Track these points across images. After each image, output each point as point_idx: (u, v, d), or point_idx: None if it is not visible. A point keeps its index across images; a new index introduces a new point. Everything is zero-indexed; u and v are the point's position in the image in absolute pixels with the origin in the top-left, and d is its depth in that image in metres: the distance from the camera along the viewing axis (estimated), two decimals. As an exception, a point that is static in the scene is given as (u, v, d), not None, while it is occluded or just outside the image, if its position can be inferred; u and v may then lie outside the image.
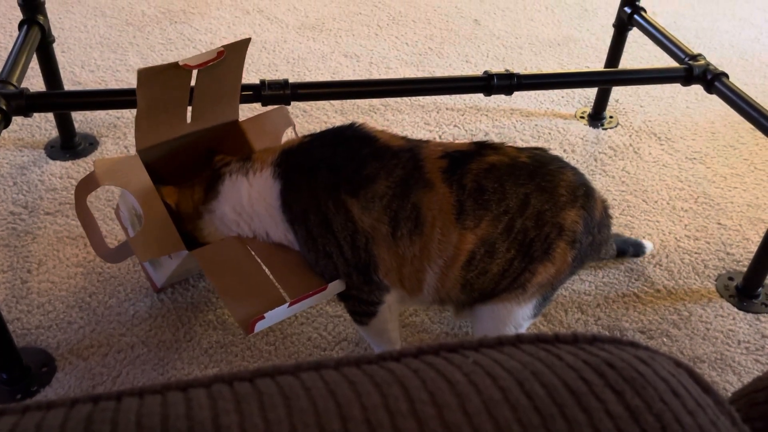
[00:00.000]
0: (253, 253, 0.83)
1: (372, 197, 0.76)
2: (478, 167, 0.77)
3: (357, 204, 0.76)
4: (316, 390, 0.31)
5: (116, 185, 0.84)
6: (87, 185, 0.85)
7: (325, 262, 0.80)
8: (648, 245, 1.11)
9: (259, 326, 0.77)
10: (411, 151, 0.78)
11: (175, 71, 0.81)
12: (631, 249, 1.09)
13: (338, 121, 1.37)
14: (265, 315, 0.76)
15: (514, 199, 0.77)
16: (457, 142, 0.83)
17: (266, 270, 0.82)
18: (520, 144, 1.33)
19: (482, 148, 0.80)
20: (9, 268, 1.02)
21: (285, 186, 0.80)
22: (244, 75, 1.49)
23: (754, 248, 1.10)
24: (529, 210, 0.77)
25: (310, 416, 0.29)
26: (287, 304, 0.78)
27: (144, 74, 0.78)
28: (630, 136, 1.39)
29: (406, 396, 0.30)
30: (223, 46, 0.81)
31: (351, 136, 0.81)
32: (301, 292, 0.79)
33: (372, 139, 0.80)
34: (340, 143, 0.80)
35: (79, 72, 1.46)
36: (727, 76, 1.08)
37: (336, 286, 0.81)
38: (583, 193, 0.80)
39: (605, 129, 1.40)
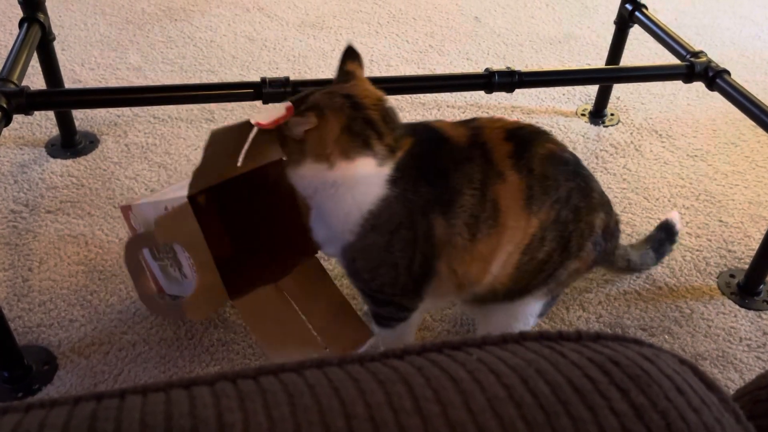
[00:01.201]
0: (291, 300, 0.88)
1: (458, 211, 0.75)
2: (541, 152, 0.78)
3: (443, 223, 0.75)
4: (320, 388, 0.30)
5: (173, 242, 0.85)
6: (143, 241, 0.85)
7: (385, 271, 0.78)
8: (674, 219, 1.08)
9: None
10: (478, 144, 0.77)
11: (244, 127, 0.80)
12: (663, 235, 1.07)
13: (339, 118, 1.37)
14: None
15: (564, 190, 0.78)
16: (511, 120, 0.83)
17: (304, 318, 0.87)
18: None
19: (540, 132, 0.81)
20: (10, 267, 1.02)
21: (389, 194, 0.75)
22: (244, 74, 1.49)
23: (756, 245, 1.10)
24: (571, 204, 0.79)
25: (314, 414, 0.29)
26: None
27: (216, 135, 0.76)
28: (631, 133, 1.38)
29: (410, 394, 0.30)
30: (290, 100, 0.77)
31: (429, 138, 0.78)
32: (340, 342, 0.85)
33: (445, 139, 0.78)
34: (427, 152, 0.77)
35: (79, 70, 1.46)
36: (728, 73, 1.08)
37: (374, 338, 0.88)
38: (607, 201, 0.85)
39: (606, 126, 1.40)
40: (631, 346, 0.35)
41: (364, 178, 0.74)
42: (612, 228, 0.85)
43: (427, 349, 0.34)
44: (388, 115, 0.77)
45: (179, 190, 0.87)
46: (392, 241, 0.76)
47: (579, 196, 0.79)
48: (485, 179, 0.76)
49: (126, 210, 0.94)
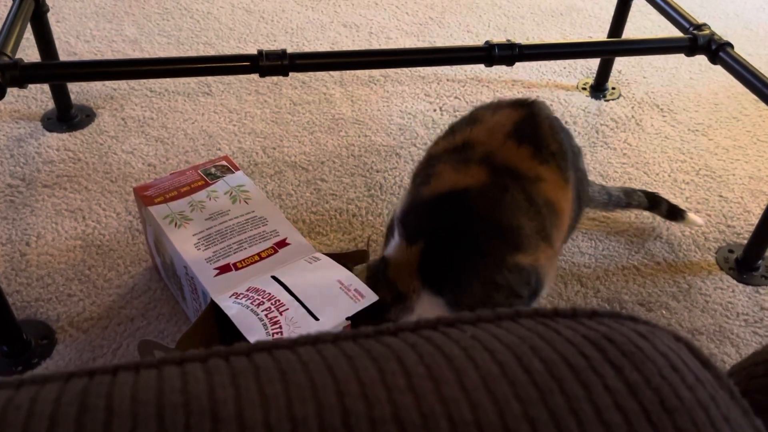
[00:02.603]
0: None
1: (530, 240, 0.73)
2: (545, 126, 0.79)
3: (525, 257, 0.73)
4: (314, 365, 0.30)
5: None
6: (157, 346, 0.80)
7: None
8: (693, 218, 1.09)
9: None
10: (499, 169, 0.74)
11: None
12: (666, 205, 1.08)
13: (337, 92, 1.35)
14: None
15: (570, 148, 0.82)
16: (498, 113, 0.82)
17: None
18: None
19: (524, 106, 0.81)
20: (8, 241, 1.02)
21: (449, 301, 0.73)
22: (242, 46, 1.47)
23: (755, 221, 1.10)
24: (574, 159, 0.83)
25: (307, 391, 0.29)
26: None
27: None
28: (632, 107, 1.37)
29: (403, 371, 0.30)
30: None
31: (451, 210, 0.74)
32: None
33: (466, 192, 0.73)
34: (458, 225, 0.73)
35: (74, 42, 1.45)
36: (731, 46, 1.06)
37: None
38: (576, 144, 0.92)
39: (607, 101, 1.39)
40: (627, 323, 0.34)
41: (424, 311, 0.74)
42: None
43: (421, 326, 0.34)
44: (391, 270, 0.75)
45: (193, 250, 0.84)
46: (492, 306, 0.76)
47: (571, 150, 0.83)
48: (529, 194, 0.74)
49: (139, 197, 0.91)
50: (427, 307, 0.73)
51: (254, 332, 0.70)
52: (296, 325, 0.71)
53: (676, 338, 0.34)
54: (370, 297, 0.73)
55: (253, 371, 0.30)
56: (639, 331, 0.34)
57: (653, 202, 1.07)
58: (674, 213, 1.08)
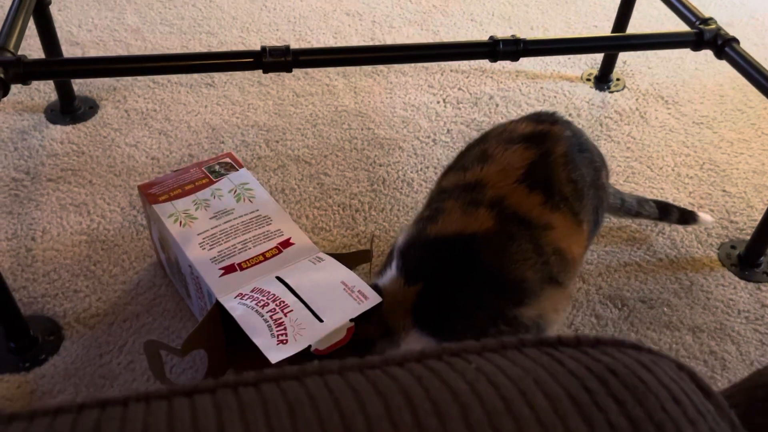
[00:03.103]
0: None
1: (536, 294, 0.72)
2: (559, 167, 0.77)
3: (531, 310, 0.72)
4: (321, 399, 0.31)
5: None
6: (163, 346, 0.79)
7: None
8: (704, 218, 1.08)
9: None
10: (507, 216, 0.73)
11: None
12: (677, 211, 1.06)
13: (340, 84, 1.35)
14: None
15: (588, 172, 0.80)
16: (510, 151, 0.78)
17: None
18: (526, 108, 1.32)
19: (537, 143, 0.78)
20: (13, 236, 1.03)
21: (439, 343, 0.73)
22: (244, 35, 1.46)
23: (758, 216, 1.10)
24: (593, 180, 0.82)
25: (315, 426, 0.29)
26: None
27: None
28: (637, 99, 1.37)
29: (409, 406, 0.30)
30: (351, 321, 0.72)
31: (452, 254, 0.72)
32: None
33: (472, 237, 0.72)
34: (458, 270, 0.71)
35: (76, 31, 1.44)
36: (737, 41, 1.05)
37: None
38: (602, 156, 0.89)
39: (612, 92, 1.38)
40: (630, 352, 0.35)
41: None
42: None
43: (427, 356, 0.34)
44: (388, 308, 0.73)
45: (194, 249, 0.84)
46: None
47: (591, 171, 0.81)
48: (538, 244, 0.72)
49: (144, 194, 0.91)
50: (415, 345, 0.72)
51: (259, 334, 0.71)
52: (300, 326, 0.72)
53: (679, 367, 0.35)
54: (374, 299, 0.74)
55: (261, 404, 0.31)
56: (642, 361, 0.34)
57: (664, 212, 1.04)
58: (686, 217, 1.07)
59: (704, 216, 1.08)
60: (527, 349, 0.34)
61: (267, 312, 0.73)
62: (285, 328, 0.72)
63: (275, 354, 0.68)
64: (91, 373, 0.87)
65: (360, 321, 0.72)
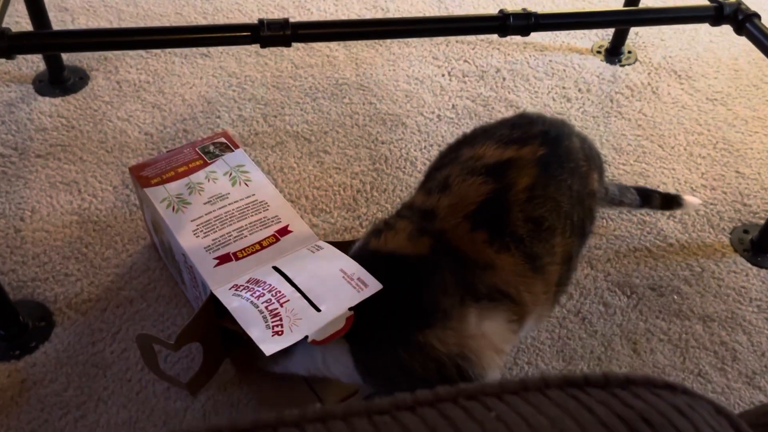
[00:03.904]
0: None
1: (444, 316, 0.68)
2: (520, 205, 0.71)
3: (433, 337, 0.68)
4: (324, 454, 0.28)
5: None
6: (157, 340, 0.75)
7: None
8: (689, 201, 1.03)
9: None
10: (442, 249, 0.69)
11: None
12: (659, 195, 1.02)
13: (341, 55, 1.30)
14: None
15: (565, 198, 0.73)
16: (467, 183, 0.73)
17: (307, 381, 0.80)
18: (534, 82, 1.27)
19: (498, 176, 0.72)
20: (1, 215, 0.99)
21: (354, 350, 0.71)
22: (241, 1, 1.40)
23: (773, 200, 1.07)
24: (575, 197, 0.74)
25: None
26: None
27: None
28: (649, 74, 1.32)
29: (422, 465, 0.27)
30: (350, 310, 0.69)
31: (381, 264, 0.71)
32: (332, 392, 0.79)
33: (402, 258, 0.70)
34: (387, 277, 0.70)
35: (65, -3, 1.38)
36: (759, 16, 1.00)
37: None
38: (588, 150, 0.80)
39: (623, 66, 1.33)
40: (664, 395, 0.32)
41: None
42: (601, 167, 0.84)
43: (441, 399, 0.31)
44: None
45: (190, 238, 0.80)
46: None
47: (576, 181, 0.75)
48: (468, 280, 0.69)
49: (135, 177, 0.87)
50: (334, 348, 0.71)
51: (254, 326, 0.68)
52: (297, 316, 0.69)
53: (717, 410, 0.32)
54: (374, 286, 0.70)
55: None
56: (677, 406, 0.31)
57: (645, 199, 0.99)
58: (670, 202, 1.02)
59: (690, 199, 1.02)
60: (551, 391, 0.31)
61: (262, 303, 0.70)
62: (281, 319, 0.69)
63: (270, 346, 0.65)
64: (83, 361, 0.84)
65: None
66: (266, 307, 0.70)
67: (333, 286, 0.71)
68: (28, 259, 0.94)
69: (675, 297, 0.96)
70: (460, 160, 0.77)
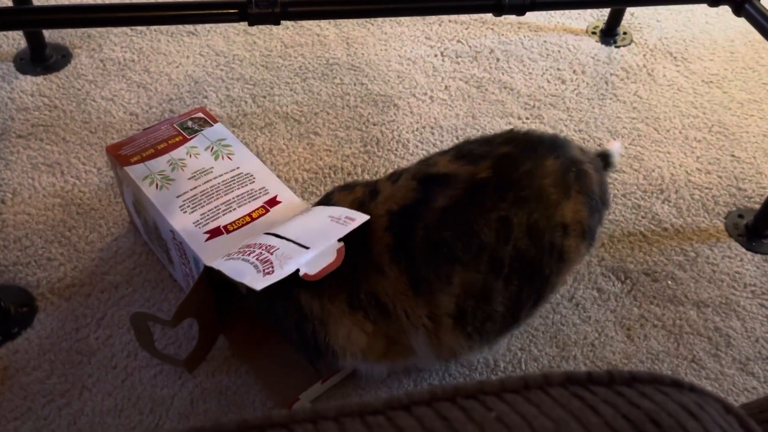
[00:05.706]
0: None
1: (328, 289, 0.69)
2: (426, 223, 0.68)
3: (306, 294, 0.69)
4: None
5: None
6: (152, 318, 0.75)
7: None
8: (613, 149, 0.87)
9: (296, 407, 0.74)
10: (363, 231, 0.69)
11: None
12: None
13: (332, 33, 1.27)
14: (300, 396, 0.75)
15: (488, 230, 0.67)
16: (406, 183, 0.72)
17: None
18: (528, 63, 1.25)
19: (426, 188, 0.70)
20: (-18, 198, 0.96)
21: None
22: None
23: (768, 184, 1.06)
24: (515, 232, 0.68)
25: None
26: (320, 381, 0.77)
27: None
28: (644, 55, 1.30)
29: (419, 471, 0.25)
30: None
31: None
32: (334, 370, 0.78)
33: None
34: None
35: (47, -29, 1.33)
36: (759, -3, 0.98)
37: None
38: (574, 176, 0.71)
39: (618, 47, 1.31)
40: (671, 393, 0.30)
41: None
42: (598, 189, 0.75)
43: (438, 398, 0.29)
44: None
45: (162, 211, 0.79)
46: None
47: (525, 211, 0.68)
48: (357, 277, 0.68)
49: (113, 156, 0.85)
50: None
51: (245, 274, 0.66)
52: (287, 257, 0.67)
53: (727, 409, 0.30)
54: (361, 218, 0.69)
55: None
56: (685, 405, 0.29)
57: None
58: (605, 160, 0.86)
59: (612, 146, 0.88)
60: (554, 390, 0.30)
61: (253, 257, 0.69)
62: (271, 264, 0.67)
63: (260, 283, 0.63)
64: (67, 348, 0.82)
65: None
66: (257, 258, 0.69)
67: (321, 229, 0.70)
68: (9, 242, 0.92)
69: (669, 282, 0.95)
70: (425, 160, 0.76)
